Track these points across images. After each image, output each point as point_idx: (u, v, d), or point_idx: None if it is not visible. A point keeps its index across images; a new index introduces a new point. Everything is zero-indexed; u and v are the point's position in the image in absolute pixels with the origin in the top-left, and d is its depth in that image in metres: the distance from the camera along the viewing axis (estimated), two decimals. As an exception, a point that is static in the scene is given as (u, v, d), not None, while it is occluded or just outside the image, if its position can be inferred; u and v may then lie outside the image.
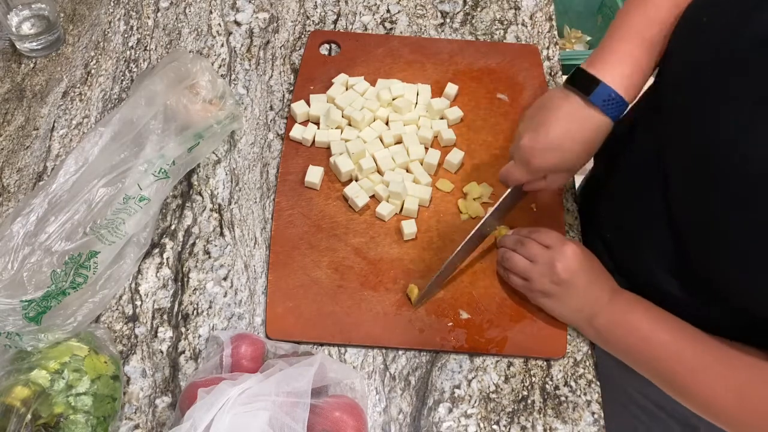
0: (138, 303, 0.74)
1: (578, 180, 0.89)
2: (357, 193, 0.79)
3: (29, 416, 0.58)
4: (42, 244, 0.65)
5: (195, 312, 0.74)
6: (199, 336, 0.72)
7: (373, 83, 0.89)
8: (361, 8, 1.00)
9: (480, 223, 0.73)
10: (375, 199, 0.81)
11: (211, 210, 0.81)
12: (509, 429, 0.68)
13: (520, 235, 0.74)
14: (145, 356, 0.71)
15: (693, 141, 0.59)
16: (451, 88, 0.89)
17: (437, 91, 0.90)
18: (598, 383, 0.71)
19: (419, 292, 0.74)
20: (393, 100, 0.87)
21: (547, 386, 0.71)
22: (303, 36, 0.96)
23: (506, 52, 0.95)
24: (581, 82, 0.66)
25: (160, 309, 0.74)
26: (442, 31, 0.98)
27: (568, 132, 0.66)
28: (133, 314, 0.73)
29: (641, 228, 0.70)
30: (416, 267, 0.77)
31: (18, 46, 0.92)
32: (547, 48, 0.97)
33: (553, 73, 0.94)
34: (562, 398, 0.70)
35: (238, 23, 0.97)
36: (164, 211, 0.80)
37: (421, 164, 0.83)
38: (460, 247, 0.73)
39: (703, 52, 0.59)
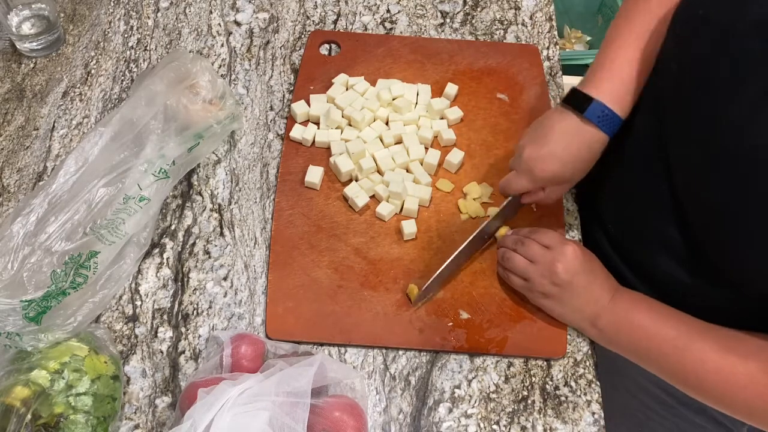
0: (138, 303, 0.74)
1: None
2: (357, 193, 0.79)
3: (29, 416, 0.58)
4: (42, 244, 0.65)
5: (195, 312, 0.74)
6: (199, 336, 0.72)
7: (373, 83, 0.89)
8: (361, 8, 1.00)
9: (477, 231, 0.74)
10: (375, 199, 0.81)
11: (211, 210, 0.81)
12: (509, 429, 0.68)
13: (521, 235, 0.74)
14: (145, 356, 0.71)
15: (697, 129, 0.60)
16: (451, 88, 0.89)
17: (437, 91, 0.90)
18: (598, 383, 0.71)
19: (419, 292, 0.74)
20: (393, 100, 0.87)
21: (547, 386, 0.71)
22: (303, 36, 0.96)
23: (506, 52, 0.95)
24: (576, 100, 0.70)
25: (160, 309, 0.74)
26: (442, 31, 0.98)
27: (567, 145, 0.70)
28: (133, 314, 0.73)
29: (646, 218, 0.70)
30: (416, 267, 0.77)
31: (18, 46, 0.92)
32: (547, 48, 0.97)
33: (553, 73, 0.94)
34: (562, 398, 0.70)
35: (238, 23, 0.97)
36: (164, 211, 0.80)
37: (421, 164, 0.83)
38: (457, 253, 0.73)
39: (703, 43, 0.60)
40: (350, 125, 0.86)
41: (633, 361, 0.68)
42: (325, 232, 0.78)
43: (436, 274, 0.73)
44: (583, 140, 0.69)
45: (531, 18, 1.00)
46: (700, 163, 0.60)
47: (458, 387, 0.71)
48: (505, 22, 0.99)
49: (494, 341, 0.72)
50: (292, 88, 0.91)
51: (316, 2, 1.00)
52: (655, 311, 0.66)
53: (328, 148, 0.84)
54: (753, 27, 0.55)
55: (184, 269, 0.76)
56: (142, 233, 0.74)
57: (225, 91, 0.81)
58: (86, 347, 0.65)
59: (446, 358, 0.72)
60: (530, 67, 0.93)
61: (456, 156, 0.83)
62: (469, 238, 0.74)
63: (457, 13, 1.00)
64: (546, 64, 0.95)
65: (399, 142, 0.85)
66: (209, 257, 0.77)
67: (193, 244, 0.78)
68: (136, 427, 0.67)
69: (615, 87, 0.69)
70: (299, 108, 0.87)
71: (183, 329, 0.73)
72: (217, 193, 0.82)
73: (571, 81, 0.75)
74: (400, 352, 0.72)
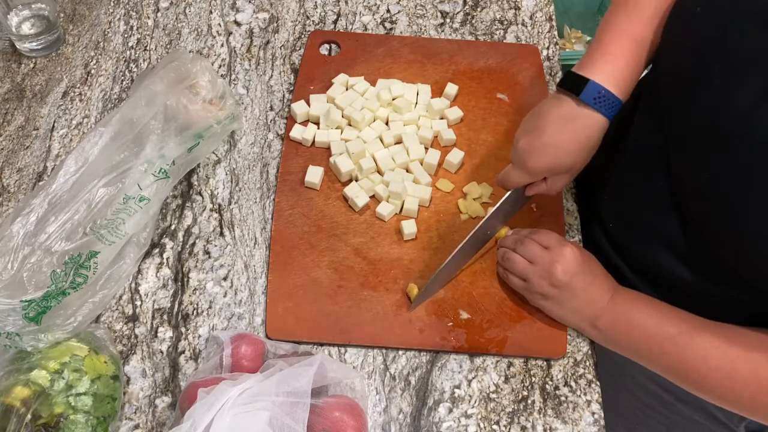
0: (138, 303, 0.74)
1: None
2: (357, 193, 0.79)
3: (29, 416, 0.59)
4: (42, 244, 0.65)
5: (195, 312, 0.74)
6: (199, 336, 0.72)
7: (373, 83, 0.89)
8: (361, 8, 1.00)
9: (477, 227, 0.73)
10: (375, 199, 0.81)
11: (211, 210, 0.81)
12: (509, 429, 0.68)
13: (521, 236, 0.74)
14: (145, 356, 0.71)
15: (698, 123, 0.59)
16: (451, 88, 0.89)
17: (437, 91, 0.90)
18: (598, 383, 0.71)
19: (419, 292, 0.73)
20: (393, 100, 0.87)
21: (547, 386, 0.71)
22: (303, 36, 0.96)
23: (506, 52, 0.95)
24: (571, 83, 0.67)
25: (160, 309, 0.74)
26: (442, 31, 0.98)
27: (562, 132, 0.67)
28: (133, 314, 0.73)
29: (646, 215, 0.70)
30: (416, 267, 0.77)
31: (18, 46, 0.92)
32: (547, 48, 0.97)
33: (553, 73, 0.94)
34: (562, 398, 0.70)
35: (238, 23, 0.97)
36: (164, 211, 0.80)
37: (421, 164, 0.83)
38: (455, 252, 0.73)
39: (701, 38, 0.60)
40: (350, 125, 0.86)
41: (634, 360, 0.68)
42: (325, 232, 0.78)
43: (435, 273, 0.73)
44: (580, 125, 0.67)
45: (531, 18, 1.00)
46: (701, 158, 0.60)
47: (458, 387, 0.71)
48: (505, 22, 0.99)
49: (494, 341, 0.72)
50: (292, 88, 0.91)
51: (316, 2, 1.00)
52: (654, 310, 0.66)
53: (328, 148, 0.84)
54: (752, 19, 0.55)
55: (184, 269, 0.76)
56: (142, 233, 0.74)
57: (225, 91, 0.81)
58: (86, 347, 0.65)
59: (446, 358, 0.72)
60: (530, 67, 0.93)
61: (456, 156, 0.83)
62: (469, 235, 0.73)
63: (457, 13, 1.00)
64: (546, 64, 0.95)
65: (399, 142, 0.85)
66: (209, 257, 0.77)
67: (193, 244, 0.78)
68: (136, 427, 0.67)
69: (611, 68, 0.66)
70: (299, 108, 0.87)
71: (183, 329, 0.73)
72: (217, 193, 0.82)
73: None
74: (400, 352, 0.72)
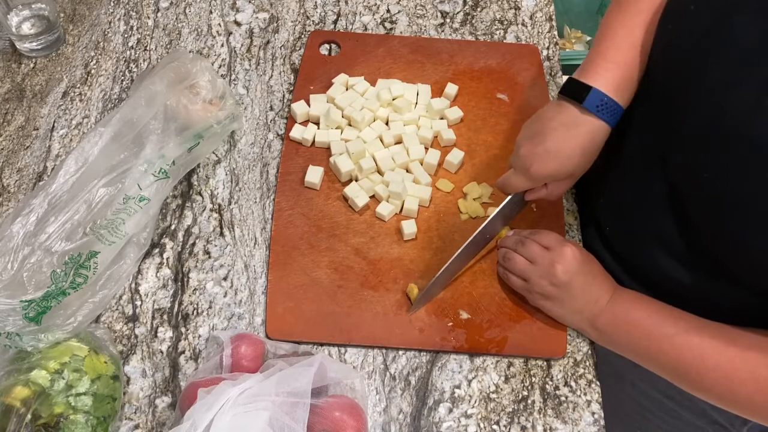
0: (138, 303, 0.74)
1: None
2: (357, 193, 0.79)
3: (29, 416, 0.59)
4: (42, 244, 0.65)
5: (195, 312, 0.74)
6: (199, 336, 0.72)
7: (373, 83, 0.89)
8: (361, 8, 1.00)
9: (477, 231, 0.73)
10: (375, 199, 0.81)
11: (211, 210, 0.81)
12: (509, 429, 0.68)
13: (521, 236, 0.74)
14: (145, 356, 0.71)
15: (696, 122, 0.59)
16: (451, 88, 0.89)
17: (437, 91, 0.90)
18: (598, 383, 0.71)
19: (419, 292, 0.73)
20: (393, 100, 0.87)
21: (547, 386, 0.71)
22: (303, 36, 0.96)
23: (506, 52, 0.95)
24: (573, 90, 0.68)
25: (160, 309, 0.74)
26: (442, 31, 0.98)
27: (565, 139, 0.67)
28: (133, 314, 0.73)
29: (642, 215, 0.70)
30: (416, 267, 0.77)
31: (18, 46, 0.92)
32: (547, 48, 0.97)
33: (553, 73, 0.94)
34: (562, 398, 0.70)
35: (238, 23, 0.97)
36: (164, 211, 0.80)
37: (421, 164, 0.83)
38: (454, 256, 0.73)
39: (696, 36, 0.60)
40: (350, 125, 0.86)
41: (633, 361, 0.68)
42: (325, 232, 0.78)
43: (435, 278, 0.73)
44: (582, 132, 0.67)
45: (531, 18, 1.00)
46: (699, 158, 0.60)
47: (458, 387, 0.71)
48: (505, 22, 0.99)
49: (494, 341, 0.72)
50: (292, 88, 0.91)
51: (316, 2, 1.00)
52: (653, 310, 0.66)
53: (328, 148, 0.84)
54: (749, 14, 0.55)
55: (184, 269, 0.76)
56: (142, 233, 0.74)
57: (225, 91, 0.81)
58: (86, 347, 0.65)
59: (446, 358, 0.72)
60: (530, 67, 0.93)
61: (456, 156, 0.83)
62: (468, 240, 0.73)
63: (457, 13, 1.00)
64: (546, 64, 0.95)
65: (399, 142, 0.85)
66: (209, 257, 0.77)
67: (193, 244, 0.78)
68: (136, 427, 0.67)
69: (613, 75, 0.67)
70: (299, 108, 0.87)
71: (183, 329, 0.73)
72: (217, 193, 0.82)
73: (571, 81, 0.75)
74: (400, 352, 0.72)
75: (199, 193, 0.82)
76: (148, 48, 0.94)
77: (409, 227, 0.78)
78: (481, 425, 0.68)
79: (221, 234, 0.79)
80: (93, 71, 0.92)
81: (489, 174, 0.84)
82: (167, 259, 0.77)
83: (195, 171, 0.83)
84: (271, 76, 0.92)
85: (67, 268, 0.65)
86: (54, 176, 0.70)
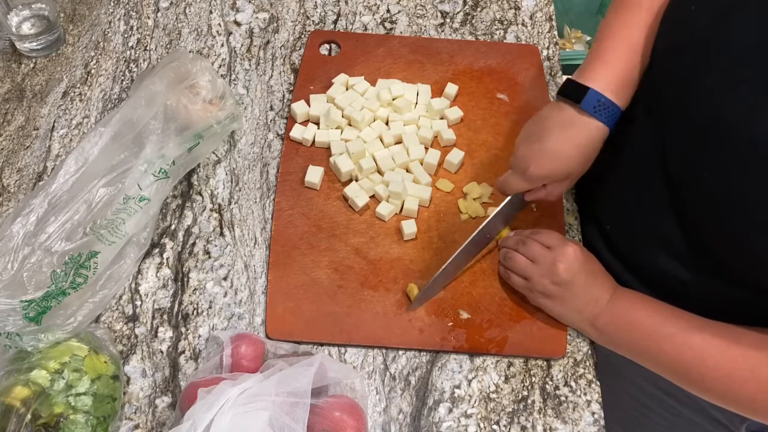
0: (138, 303, 0.74)
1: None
2: (357, 193, 0.79)
3: (29, 416, 0.58)
4: (42, 244, 0.65)
5: (195, 312, 0.74)
6: (199, 336, 0.72)
7: (373, 83, 0.89)
8: (361, 8, 1.00)
9: (476, 231, 0.73)
10: (375, 199, 0.81)
11: (211, 210, 0.81)
12: (509, 429, 0.68)
13: (522, 236, 0.74)
14: (145, 356, 0.71)
15: (696, 122, 0.59)
16: (451, 88, 0.89)
17: (437, 91, 0.90)
18: (598, 383, 0.71)
19: (419, 292, 0.73)
20: (393, 100, 0.87)
21: (547, 386, 0.71)
22: (303, 36, 0.96)
23: (506, 52, 0.95)
24: (571, 91, 0.68)
25: (160, 309, 0.74)
26: (442, 31, 0.98)
27: (562, 139, 0.68)
28: (133, 314, 0.73)
29: (643, 215, 0.70)
30: (416, 267, 0.77)
31: (18, 46, 0.92)
32: (547, 48, 0.97)
33: (553, 73, 0.94)
34: (562, 398, 0.70)
35: (238, 23, 0.97)
36: (164, 211, 0.80)
37: (421, 164, 0.83)
38: (454, 256, 0.73)
39: (697, 37, 0.60)
40: (350, 125, 0.86)
41: (633, 360, 0.68)
42: (325, 232, 0.78)
43: (434, 277, 0.73)
44: (580, 132, 0.67)
45: (531, 18, 1.00)
46: (700, 158, 0.60)
47: (458, 387, 0.71)
48: (505, 22, 0.99)
49: (494, 341, 0.72)
50: (292, 88, 0.91)
51: (316, 2, 1.00)
52: (653, 309, 0.66)
53: (328, 148, 0.84)
54: (751, 14, 0.55)
55: (184, 269, 0.76)
56: (142, 233, 0.74)
57: (225, 91, 0.81)
58: (86, 347, 0.65)
59: (446, 358, 0.72)
60: (530, 67, 0.93)
61: (456, 156, 0.83)
62: (467, 240, 0.73)
63: (457, 13, 1.00)
64: (546, 64, 0.95)
65: (399, 142, 0.85)
66: (209, 257, 0.77)
67: (193, 244, 0.78)
68: (136, 427, 0.67)
69: (611, 76, 0.67)
70: (299, 108, 0.87)
71: (183, 329, 0.73)
72: (217, 193, 0.82)
73: (571, 81, 0.75)
74: (400, 352, 0.72)
75: (199, 193, 0.82)
76: (148, 48, 0.94)
77: (409, 227, 0.78)
78: (481, 425, 0.68)
79: (221, 234, 0.79)
80: (93, 71, 0.92)
81: (489, 174, 0.84)
82: (167, 259, 0.77)
83: (195, 171, 0.83)
84: (271, 76, 0.92)
85: (67, 268, 0.65)
86: (54, 176, 0.70)
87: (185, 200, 0.81)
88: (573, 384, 0.71)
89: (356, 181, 0.82)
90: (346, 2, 1.00)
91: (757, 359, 0.59)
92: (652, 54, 0.67)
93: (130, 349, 0.71)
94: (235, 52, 0.94)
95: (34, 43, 0.91)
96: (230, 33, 0.96)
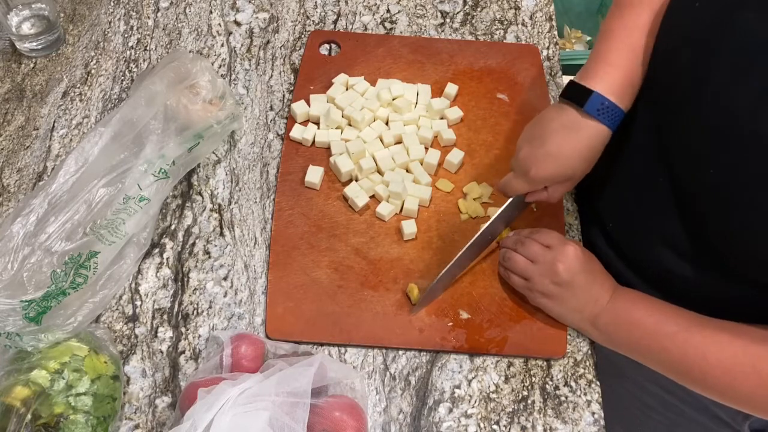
0: (138, 303, 0.74)
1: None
2: (357, 193, 0.79)
3: (29, 416, 0.58)
4: (42, 244, 0.65)
5: (195, 312, 0.74)
6: (199, 336, 0.72)
7: (373, 83, 0.89)
8: (361, 8, 1.00)
9: (477, 234, 0.73)
10: (375, 199, 0.81)
11: (211, 210, 0.81)
12: (509, 429, 0.68)
13: (522, 236, 0.74)
14: (145, 356, 0.71)
15: (700, 118, 0.59)
16: (451, 88, 0.89)
17: (437, 91, 0.90)
18: (598, 383, 0.71)
19: (419, 293, 0.74)
20: (393, 100, 0.87)
21: (547, 386, 0.71)
22: (303, 36, 0.96)
23: (506, 52, 0.95)
24: (574, 94, 0.68)
25: (160, 309, 0.74)
26: (442, 31, 0.98)
27: (565, 142, 0.68)
28: (133, 314, 0.73)
29: (645, 212, 0.70)
30: (416, 267, 0.77)
31: (18, 46, 0.92)
32: (547, 48, 0.97)
33: (553, 73, 0.94)
34: (562, 398, 0.70)
35: (238, 23, 0.97)
36: (164, 211, 0.80)
37: (421, 164, 0.83)
38: (455, 259, 0.73)
39: (701, 34, 0.60)
40: (350, 125, 0.86)
41: (635, 360, 0.68)
42: (325, 232, 0.78)
43: (435, 280, 0.72)
44: (583, 135, 0.67)
45: (531, 18, 1.00)
46: (704, 155, 0.60)
47: (458, 387, 0.71)
48: (505, 22, 0.99)
49: (494, 341, 0.72)
50: (292, 88, 0.91)
51: (316, 2, 1.00)
52: (654, 308, 0.66)
53: (328, 148, 0.84)
54: (757, 10, 0.55)
55: (184, 269, 0.76)
56: (142, 233, 0.74)
57: (225, 91, 0.81)
58: (86, 347, 0.65)
59: (446, 358, 0.72)
60: (530, 67, 0.93)
61: (456, 156, 0.83)
62: (469, 243, 0.73)
63: (457, 13, 1.00)
64: (546, 64, 0.95)
65: (399, 142, 0.85)
66: (209, 257, 0.77)
67: (193, 244, 0.78)
68: (136, 427, 0.67)
69: (614, 78, 0.67)
70: (299, 108, 0.87)
71: (183, 329, 0.73)
72: (217, 193, 0.82)
73: (571, 81, 0.75)
74: (400, 352, 0.72)
75: (199, 193, 0.82)
76: (148, 48, 0.94)
77: (409, 227, 0.78)
78: (481, 425, 0.68)
79: (221, 234, 0.79)
80: (93, 71, 0.92)
81: (489, 174, 0.84)
82: (167, 259, 0.77)
83: (195, 171, 0.83)
84: (271, 76, 0.92)
85: (67, 268, 0.65)
86: (54, 176, 0.70)
87: (185, 200, 0.81)
88: (573, 384, 0.71)
89: (356, 181, 0.82)
90: (346, 2, 1.00)
91: (758, 355, 0.59)
92: (654, 52, 0.67)
93: (130, 349, 0.71)
94: (235, 52, 0.94)
95: (34, 43, 0.91)
96: (230, 33, 0.96)
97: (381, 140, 0.84)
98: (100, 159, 0.71)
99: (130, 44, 0.94)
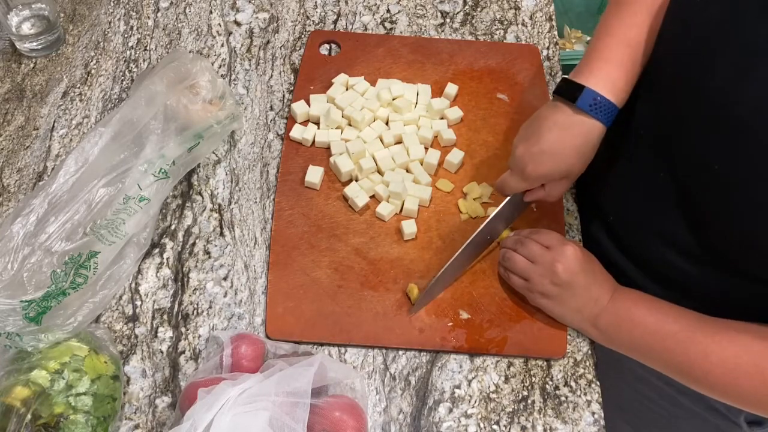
0: (138, 303, 0.74)
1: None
2: (357, 193, 0.79)
3: (29, 416, 0.59)
4: (42, 244, 0.65)
5: (195, 312, 0.74)
6: (199, 336, 0.72)
7: (373, 83, 0.89)
8: (361, 8, 1.00)
9: (476, 232, 0.73)
10: (375, 199, 0.81)
11: (211, 210, 0.81)
12: (509, 429, 0.68)
13: (521, 236, 0.74)
14: (145, 356, 0.71)
15: (705, 115, 0.59)
16: (451, 88, 0.89)
17: (437, 91, 0.90)
18: (598, 383, 0.71)
19: (419, 293, 0.74)
20: (393, 100, 0.87)
21: (547, 386, 0.71)
22: (303, 36, 0.96)
23: (506, 52, 0.95)
24: (566, 90, 0.68)
25: (160, 309, 0.74)
26: (442, 31, 0.98)
27: (559, 139, 0.68)
28: (133, 314, 0.73)
29: (648, 206, 0.70)
30: (416, 267, 0.77)
31: (18, 46, 0.92)
32: (547, 48, 0.97)
33: (553, 73, 0.94)
34: (562, 398, 0.70)
35: (238, 23, 0.97)
36: (164, 211, 0.80)
37: (421, 164, 0.83)
38: (453, 258, 0.73)
39: (704, 28, 0.60)
40: (350, 125, 0.86)
41: (636, 359, 0.68)
42: (325, 232, 0.78)
43: (434, 279, 0.72)
44: (577, 132, 0.67)
45: (531, 18, 1.00)
46: (709, 149, 0.60)
47: (458, 387, 0.71)
48: (505, 22, 0.99)
49: (494, 341, 0.72)
50: (292, 88, 0.91)
51: (316, 2, 1.00)
52: (655, 307, 0.66)
53: (328, 148, 0.84)
54: (757, 7, 0.55)
55: (184, 269, 0.76)
56: (142, 233, 0.74)
57: (225, 91, 0.81)
58: (86, 347, 0.65)
59: (446, 358, 0.72)
60: (530, 67, 0.93)
61: (456, 156, 0.83)
62: (466, 243, 0.73)
63: (457, 13, 1.00)
64: (546, 64, 0.95)
65: (399, 142, 0.85)
66: (209, 257, 0.77)
67: (193, 244, 0.78)
68: (136, 427, 0.67)
69: (607, 74, 0.67)
70: (299, 108, 0.87)
71: (183, 329, 0.73)
72: (217, 193, 0.82)
73: (571, 81, 0.75)
74: (400, 352, 0.72)
75: (199, 193, 0.82)
76: (148, 48, 0.94)
77: (409, 227, 0.78)
78: (481, 425, 0.68)
79: (221, 234, 0.79)
80: (93, 71, 0.92)
81: (489, 174, 0.84)
82: (167, 259, 0.77)
83: (195, 171, 0.83)
84: (271, 76, 0.92)
85: (67, 268, 0.65)
86: (54, 176, 0.70)
87: (185, 200, 0.81)
88: (573, 384, 0.71)
89: (356, 181, 0.82)
90: (346, 2, 1.00)
91: (760, 353, 0.59)
92: (655, 50, 0.67)
93: (130, 349, 0.71)
94: (235, 52, 0.94)
95: (34, 43, 0.91)
96: (230, 33, 0.96)
97: (381, 140, 0.84)
98: (100, 159, 0.71)
99: (130, 44, 0.94)
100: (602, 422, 0.69)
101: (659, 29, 0.67)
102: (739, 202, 0.58)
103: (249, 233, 0.79)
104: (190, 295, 0.75)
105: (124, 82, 0.91)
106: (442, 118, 0.87)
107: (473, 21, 0.99)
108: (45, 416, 0.59)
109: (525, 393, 0.71)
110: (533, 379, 0.71)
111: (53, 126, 0.86)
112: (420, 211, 0.81)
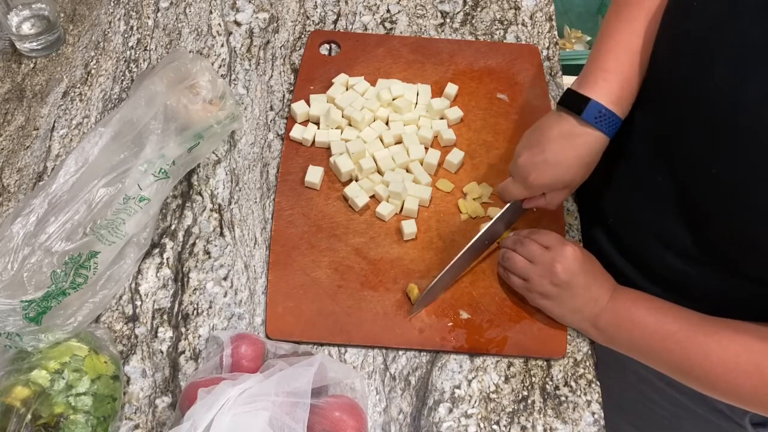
0: (138, 303, 0.74)
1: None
2: (357, 193, 0.79)
3: (29, 416, 0.59)
4: (42, 244, 0.65)
5: (195, 312, 0.74)
6: (199, 336, 0.72)
7: (373, 83, 0.89)
8: (361, 8, 1.00)
9: (475, 237, 0.73)
10: (375, 199, 0.81)
11: (211, 210, 0.81)
12: (509, 429, 0.68)
13: (521, 236, 0.74)
14: (145, 356, 0.71)
15: (704, 117, 0.59)
16: (451, 88, 0.89)
17: (437, 91, 0.90)
18: (598, 383, 0.71)
19: (419, 293, 0.74)
20: (393, 100, 0.87)
21: (547, 386, 0.71)
22: (303, 36, 0.96)
23: (506, 52, 0.95)
24: (572, 102, 0.68)
25: (160, 309, 0.74)
26: (442, 31, 0.98)
27: (563, 149, 0.68)
28: (133, 314, 0.73)
29: (648, 208, 0.70)
30: (416, 267, 0.77)
31: (18, 46, 0.92)
32: (547, 48, 0.97)
33: (553, 73, 0.94)
34: (562, 398, 0.70)
35: (238, 23, 0.97)
36: (164, 211, 0.80)
37: (421, 164, 0.83)
38: (453, 262, 0.73)
39: (702, 32, 0.60)
40: (350, 125, 0.86)
41: (636, 359, 0.68)
42: (325, 232, 0.78)
43: (434, 282, 0.72)
44: (581, 143, 0.68)
45: (531, 18, 1.00)
46: (708, 152, 0.60)
47: (458, 387, 0.71)
48: (505, 22, 0.99)
49: (494, 341, 0.72)
50: (292, 88, 0.91)
51: (316, 2, 1.00)
52: (654, 307, 0.67)
53: (328, 148, 0.84)
54: (759, 7, 0.55)
55: (184, 269, 0.76)
56: (142, 233, 0.74)
57: (225, 91, 0.81)
58: (86, 347, 0.65)
59: (446, 358, 0.72)
60: (530, 67, 0.93)
61: (456, 156, 0.83)
62: (466, 246, 0.73)
63: (457, 13, 1.00)
64: (546, 64, 0.95)
65: (399, 142, 0.85)
66: (209, 257, 0.77)
67: (193, 244, 0.78)
68: (136, 427, 0.67)
69: (611, 86, 0.68)
70: (299, 108, 0.87)
71: (183, 329, 0.73)
72: (217, 193, 0.82)
73: (571, 81, 0.74)
74: (400, 352, 0.72)
75: (199, 193, 0.82)
76: (148, 48, 0.94)
77: (409, 227, 0.78)
78: (481, 425, 0.68)
79: (221, 234, 0.79)
80: (93, 71, 0.92)
81: (489, 174, 0.84)
82: (167, 259, 0.77)
83: (195, 171, 0.83)
84: (271, 76, 0.92)
85: (67, 268, 0.65)
86: (54, 176, 0.70)
87: (185, 200, 0.81)
88: (573, 384, 0.71)
89: (356, 181, 0.82)
90: (346, 2, 1.00)
91: (760, 353, 0.59)
92: (654, 53, 0.67)
93: (130, 349, 0.71)
94: (235, 52, 0.94)
95: (34, 43, 0.91)
96: (230, 33, 0.96)
97: (381, 140, 0.84)
98: (100, 159, 0.71)
99: (130, 44, 0.94)
100: (602, 422, 0.69)
101: (658, 30, 0.67)
102: (738, 203, 0.58)
103: (249, 233, 0.79)
104: (190, 295, 0.75)
105: (124, 82, 0.91)
106: (442, 118, 0.87)
107: (473, 21, 0.99)
108: (45, 416, 0.59)
109: (525, 393, 0.71)
110: (533, 379, 0.71)
111: (53, 126, 0.86)
112: (420, 211, 0.81)
